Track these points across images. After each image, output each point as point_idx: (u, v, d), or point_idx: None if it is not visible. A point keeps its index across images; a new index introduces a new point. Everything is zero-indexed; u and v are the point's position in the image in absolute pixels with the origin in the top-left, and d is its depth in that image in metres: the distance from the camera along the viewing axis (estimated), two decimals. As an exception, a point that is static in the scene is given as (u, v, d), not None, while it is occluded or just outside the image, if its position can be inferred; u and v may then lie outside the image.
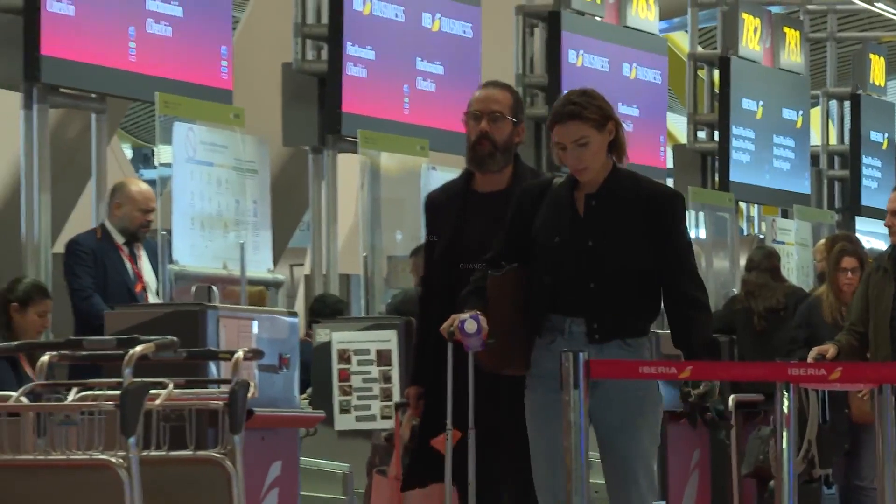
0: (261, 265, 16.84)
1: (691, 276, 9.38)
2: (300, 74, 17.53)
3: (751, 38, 23.10)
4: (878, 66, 25.70)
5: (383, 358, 15.94)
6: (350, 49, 17.66)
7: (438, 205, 10.88)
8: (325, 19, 17.62)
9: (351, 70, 17.66)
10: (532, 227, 9.30)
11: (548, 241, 9.16)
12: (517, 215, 9.47)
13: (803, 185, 24.73)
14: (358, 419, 15.38)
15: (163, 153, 16.47)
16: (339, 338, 16.03)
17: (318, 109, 17.64)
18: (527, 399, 9.33)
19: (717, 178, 22.74)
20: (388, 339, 16.43)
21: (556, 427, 8.91)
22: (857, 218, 26.03)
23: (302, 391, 15.25)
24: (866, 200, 25.51)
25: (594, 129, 9.20)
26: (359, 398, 15.54)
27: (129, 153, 18.33)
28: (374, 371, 15.90)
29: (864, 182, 25.22)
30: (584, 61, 20.30)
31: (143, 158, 18.97)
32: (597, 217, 9.13)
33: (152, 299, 15.34)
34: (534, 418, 9.29)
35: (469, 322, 8.95)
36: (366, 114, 18.07)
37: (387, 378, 15.90)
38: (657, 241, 9.16)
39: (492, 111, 10.40)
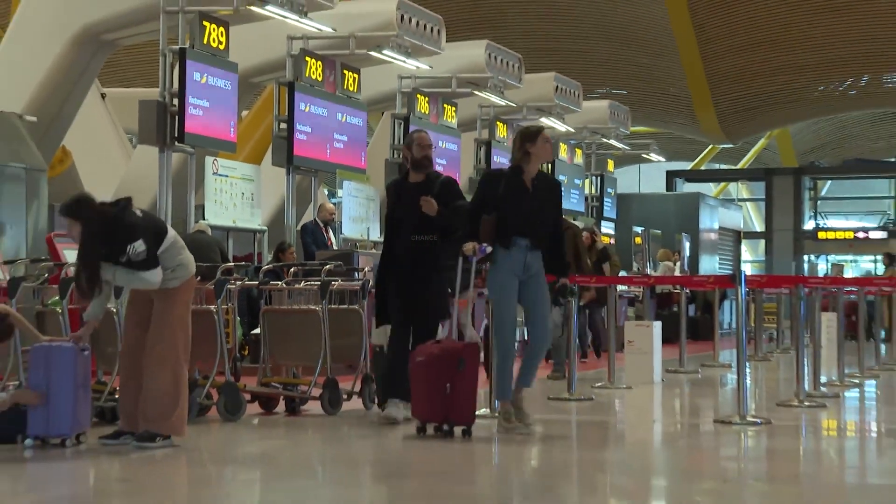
0: (374, 235, 16.60)
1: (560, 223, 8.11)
2: (393, 163, 17.02)
3: (563, 152, 22.63)
4: (610, 163, 25.40)
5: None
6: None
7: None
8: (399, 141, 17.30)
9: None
10: (497, 194, 7.76)
11: (516, 204, 7.71)
12: (489, 187, 7.86)
13: (581, 207, 23.98)
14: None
15: (339, 192, 16.29)
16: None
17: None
18: (494, 276, 7.80)
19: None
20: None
21: (513, 292, 7.75)
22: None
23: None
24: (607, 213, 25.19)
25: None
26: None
27: (326, 192, 18.18)
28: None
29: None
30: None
31: (331, 194, 18.98)
32: (537, 191, 7.78)
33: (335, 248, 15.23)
34: (502, 287, 7.77)
35: (488, 248, 7.63)
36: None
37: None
38: (557, 204, 7.94)
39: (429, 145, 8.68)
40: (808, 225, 35.45)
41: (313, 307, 9.10)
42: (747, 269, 36.09)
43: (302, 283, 9.58)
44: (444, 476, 6.42)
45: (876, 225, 35.48)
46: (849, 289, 14.74)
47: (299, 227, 15.66)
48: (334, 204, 16.88)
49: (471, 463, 7.00)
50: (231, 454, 7.27)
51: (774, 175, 35.68)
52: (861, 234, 34.76)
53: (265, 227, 16.07)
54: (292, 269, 10.00)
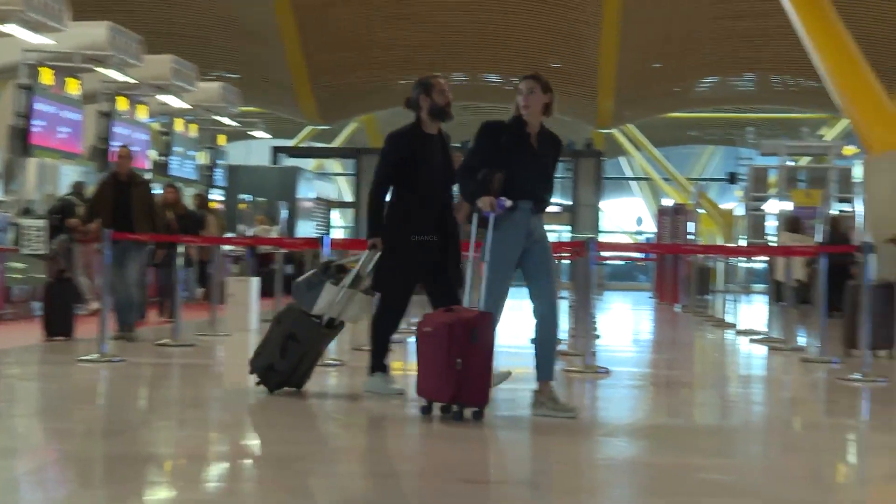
0: (-2, 195, 15.31)
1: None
2: (17, 128, 16.07)
3: (180, 126, 22.08)
4: (222, 138, 24.72)
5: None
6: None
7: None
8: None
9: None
10: (498, 148, 5.90)
11: (520, 162, 5.89)
12: (489, 139, 5.95)
13: (195, 175, 23.29)
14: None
15: None
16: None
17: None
18: (495, 240, 5.86)
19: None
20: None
21: (514, 260, 5.89)
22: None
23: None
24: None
25: (539, 88, 5.91)
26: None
27: None
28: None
29: (217, 172, 24.10)
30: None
31: None
32: (541, 148, 5.93)
33: None
34: (503, 253, 5.88)
35: (507, 201, 5.75)
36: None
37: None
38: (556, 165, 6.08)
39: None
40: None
41: None
42: (339, 234, 36.67)
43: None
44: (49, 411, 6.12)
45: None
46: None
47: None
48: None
49: (85, 397, 6.68)
50: None
51: (363, 154, 36.42)
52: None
53: None
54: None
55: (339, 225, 38.07)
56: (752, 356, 10.72)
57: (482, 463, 5.07)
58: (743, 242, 24.53)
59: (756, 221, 24.27)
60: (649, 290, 25.83)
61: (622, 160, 44.39)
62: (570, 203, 33.09)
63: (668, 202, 34.64)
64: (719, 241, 32.61)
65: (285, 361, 6.55)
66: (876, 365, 9.38)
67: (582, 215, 32.49)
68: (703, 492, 4.47)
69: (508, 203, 5.82)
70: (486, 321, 5.71)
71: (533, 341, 6.03)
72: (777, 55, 27.89)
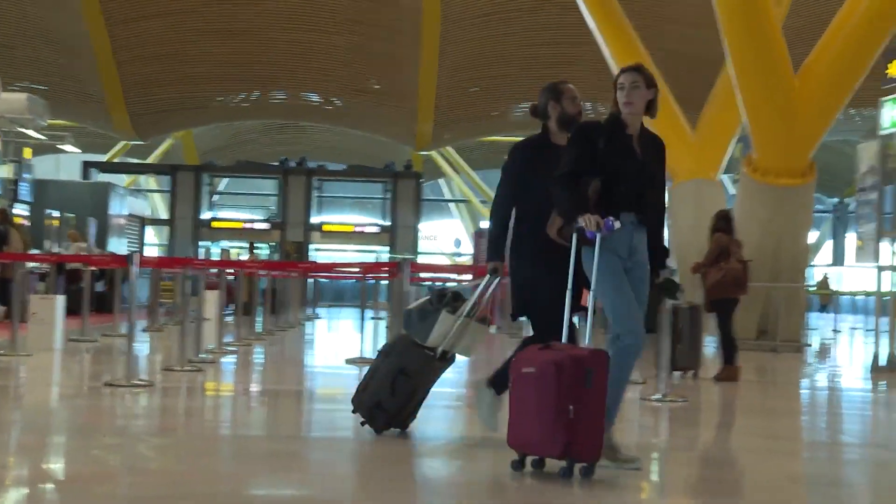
0: None
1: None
2: None
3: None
4: (27, 151, 23.79)
5: None
6: None
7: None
8: None
9: None
10: (596, 152, 5.17)
11: (622, 167, 5.19)
12: (586, 142, 5.19)
13: None
14: None
15: None
16: None
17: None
18: (602, 258, 5.10)
19: None
20: None
21: (624, 274, 5.17)
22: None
23: None
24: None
25: (643, 82, 5.22)
26: None
27: None
28: None
29: (23, 186, 23.20)
30: None
31: None
32: (644, 152, 5.25)
33: None
34: (610, 270, 5.10)
35: (616, 223, 5.05)
36: None
37: None
38: (663, 170, 5.37)
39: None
40: (206, 215, 35.86)
41: None
42: (153, 251, 35.80)
43: None
44: None
45: (263, 217, 36.63)
46: (230, 270, 15.07)
47: None
48: None
49: None
50: None
51: (178, 170, 35.77)
52: (248, 225, 35.71)
53: None
54: None
55: (154, 242, 37.21)
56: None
57: (294, 484, 5.00)
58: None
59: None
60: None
61: (441, 182, 44.91)
62: (389, 224, 33.27)
63: (485, 225, 35.27)
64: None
65: (395, 399, 5.91)
66: (680, 385, 9.74)
67: (401, 236, 32.68)
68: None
69: (617, 225, 5.11)
70: (602, 361, 4.87)
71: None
72: (586, 81, 28.81)
